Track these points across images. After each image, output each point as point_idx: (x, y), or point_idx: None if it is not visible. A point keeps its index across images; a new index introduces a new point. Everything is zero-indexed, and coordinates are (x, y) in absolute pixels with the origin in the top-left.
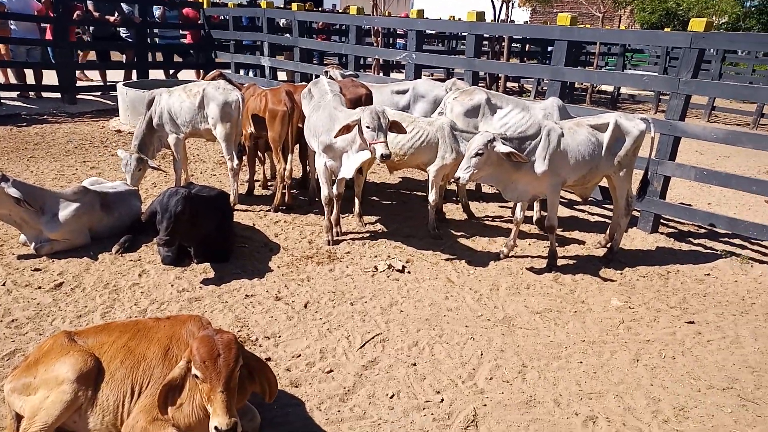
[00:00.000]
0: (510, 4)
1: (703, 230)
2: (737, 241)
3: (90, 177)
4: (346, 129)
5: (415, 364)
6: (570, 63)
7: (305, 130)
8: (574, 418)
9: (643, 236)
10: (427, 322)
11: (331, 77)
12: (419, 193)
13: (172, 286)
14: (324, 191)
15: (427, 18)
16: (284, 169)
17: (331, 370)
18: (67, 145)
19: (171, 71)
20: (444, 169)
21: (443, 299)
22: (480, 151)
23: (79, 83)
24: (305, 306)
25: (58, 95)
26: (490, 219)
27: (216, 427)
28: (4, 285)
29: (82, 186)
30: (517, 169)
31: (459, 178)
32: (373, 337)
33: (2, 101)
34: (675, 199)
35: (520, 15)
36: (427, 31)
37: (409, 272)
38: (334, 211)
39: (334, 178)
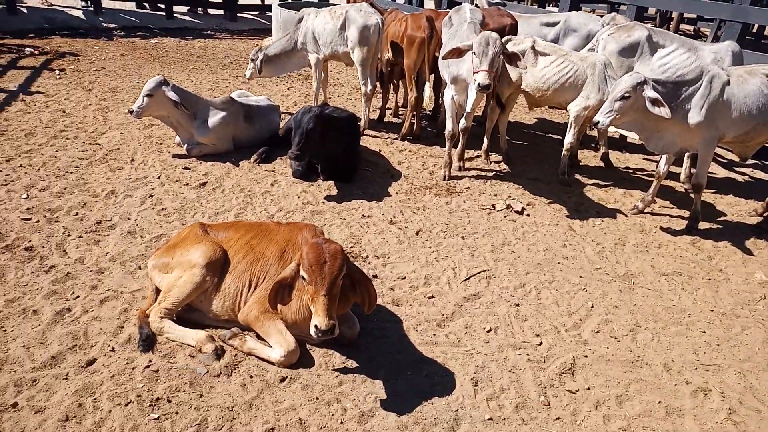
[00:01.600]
0: None
1: None
2: None
3: (238, 90)
4: (456, 53)
5: (518, 305)
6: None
7: (440, 60)
8: (684, 386)
9: None
10: (538, 266)
11: (476, 5)
12: (555, 136)
13: (298, 197)
14: (448, 125)
15: None
16: (415, 98)
17: (432, 296)
18: (224, 60)
19: None
20: (586, 111)
21: (560, 246)
22: (627, 94)
23: None
24: (417, 233)
25: (221, 12)
26: (631, 171)
27: (316, 326)
28: (158, 178)
29: (230, 97)
30: (664, 118)
31: (598, 122)
32: (479, 273)
33: (174, 14)
34: None
35: None
36: None
37: (528, 215)
38: (459, 146)
39: (460, 112)
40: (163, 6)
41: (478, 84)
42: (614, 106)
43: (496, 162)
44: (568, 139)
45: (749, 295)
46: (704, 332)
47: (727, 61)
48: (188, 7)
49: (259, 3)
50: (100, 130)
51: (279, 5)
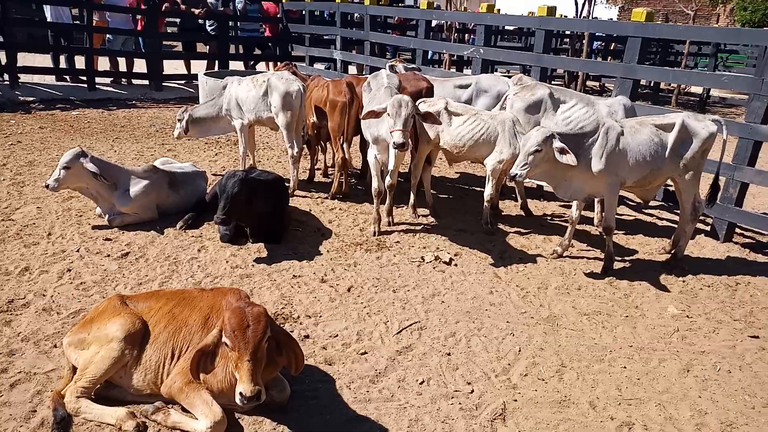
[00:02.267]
0: (593, 1)
1: None
2: None
3: (163, 158)
4: (373, 114)
5: (449, 354)
6: (649, 63)
7: (362, 122)
8: (609, 422)
9: (714, 245)
10: (467, 314)
11: (394, 70)
12: (478, 189)
13: (226, 262)
14: (374, 183)
15: (496, 13)
16: (341, 158)
17: (365, 352)
18: (150, 129)
19: (250, 63)
20: (501, 164)
21: (487, 293)
22: (539, 148)
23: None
24: (348, 290)
25: (146, 82)
26: (549, 218)
27: (241, 393)
28: (78, 251)
29: (153, 165)
30: (571, 167)
31: (515, 175)
32: (410, 325)
33: (97, 86)
34: (757, 208)
35: (605, 13)
36: (502, 27)
37: (456, 265)
38: (387, 202)
39: (384, 170)
40: (84, 78)
41: (394, 143)
42: (528, 159)
43: (423, 215)
44: (488, 191)
45: (664, 328)
46: (625, 368)
47: (620, 114)
48: (111, 79)
49: (185, 73)
50: (14, 205)
51: (204, 74)
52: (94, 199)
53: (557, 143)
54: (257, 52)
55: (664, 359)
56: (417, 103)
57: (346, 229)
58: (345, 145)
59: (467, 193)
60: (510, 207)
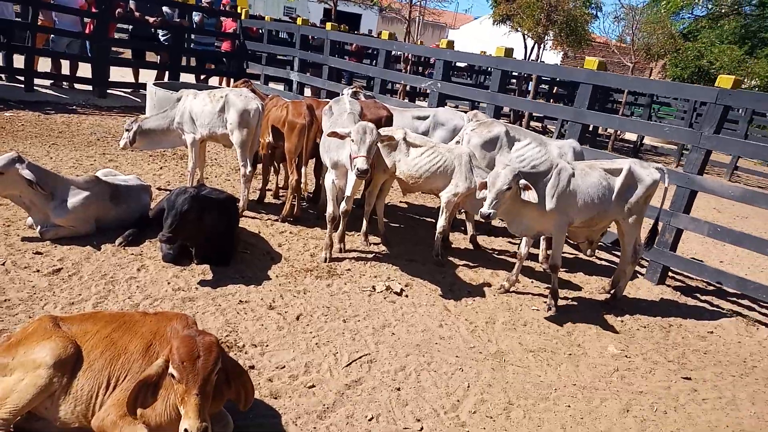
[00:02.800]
0: (542, 45)
1: (711, 287)
2: (745, 302)
3: (105, 168)
4: (337, 135)
5: (399, 389)
6: (596, 109)
7: (320, 145)
8: None
9: (649, 287)
10: (417, 347)
11: (356, 97)
12: (429, 219)
13: (168, 283)
14: (329, 208)
15: (456, 50)
16: (295, 181)
17: (313, 386)
18: (90, 137)
19: (202, 77)
20: (456, 197)
21: (437, 326)
22: (510, 186)
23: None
24: (297, 318)
25: (89, 88)
26: (497, 253)
27: (186, 430)
28: (3, 265)
29: (94, 176)
30: (525, 204)
31: (489, 214)
32: (360, 357)
33: (35, 87)
34: (687, 253)
35: (551, 58)
36: (456, 63)
37: (406, 296)
38: (340, 228)
39: (340, 195)
40: (22, 78)
41: (357, 169)
42: (498, 197)
43: (374, 243)
44: (441, 223)
45: (604, 368)
46: (569, 406)
47: (569, 156)
48: (52, 81)
49: (132, 81)
50: None
51: (154, 84)
52: (26, 209)
53: (522, 180)
54: (210, 66)
55: (605, 398)
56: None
57: (297, 254)
58: (301, 168)
59: (418, 223)
60: (459, 240)
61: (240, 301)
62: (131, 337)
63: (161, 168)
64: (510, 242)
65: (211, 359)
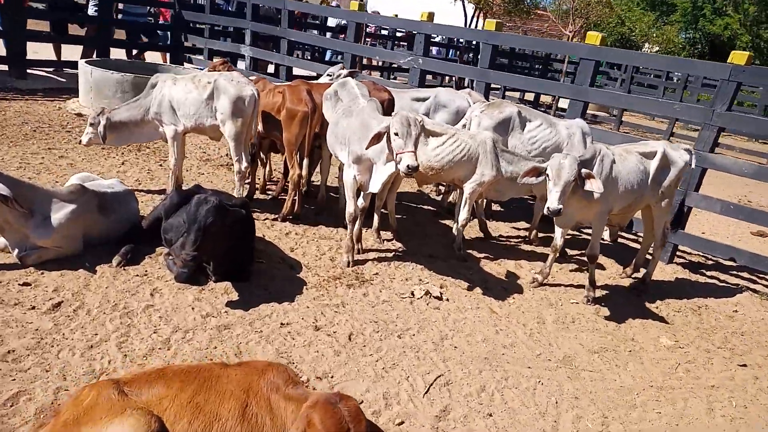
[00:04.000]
0: (485, 14)
1: (710, 262)
2: (745, 274)
3: (81, 173)
4: (377, 138)
5: (491, 415)
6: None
7: (329, 136)
8: None
9: (660, 266)
10: (486, 361)
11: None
12: (426, 207)
13: (193, 309)
14: (350, 207)
15: (438, 23)
16: (298, 175)
17: (402, 422)
18: (23, 127)
19: (134, 52)
20: (481, 186)
21: (494, 334)
22: (574, 177)
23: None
24: (349, 338)
25: (5, 68)
26: (504, 239)
27: None
28: None
29: (79, 185)
30: (572, 194)
31: (558, 210)
32: (435, 379)
33: None
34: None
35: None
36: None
37: (447, 299)
38: (356, 226)
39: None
40: None
41: (407, 166)
42: (566, 189)
43: (386, 239)
44: (463, 215)
45: (667, 362)
46: (659, 413)
47: (577, 137)
48: None
49: (54, 59)
50: None
51: (87, 62)
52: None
53: (585, 170)
54: (144, 39)
55: (686, 398)
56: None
57: (314, 259)
58: (304, 161)
59: (417, 211)
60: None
61: (281, 323)
62: (219, 398)
63: (122, 163)
64: (513, 227)
65: (362, 431)
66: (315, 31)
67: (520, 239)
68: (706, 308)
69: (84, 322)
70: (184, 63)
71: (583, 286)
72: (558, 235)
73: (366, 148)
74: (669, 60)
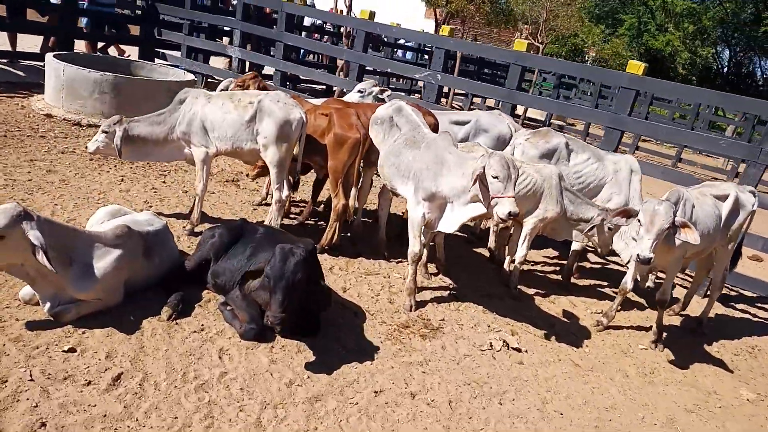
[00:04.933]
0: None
1: (733, 293)
2: None
3: (111, 205)
4: (478, 180)
5: None
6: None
7: (386, 168)
8: None
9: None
10: (597, 430)
11: (379, 96)
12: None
13: (272, 375)
14: (415, 247)
15: (458, 38)
16: (344, 206)
17: None
18: None
19: (99, 45)
20: (542, 222)
21: (590, 394)
22: (669, 225)
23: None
24: (449, 405)
25: None
26: (539, 270)
27: None
28: (32, 379)
29: (127, 226)
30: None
31: (649, 259)
32: None
33: None
34: None
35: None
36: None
37: (526, 351)
38: (418, 268)
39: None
40: None
41: (509, 213)
42: (659, 237)
43: (432, 273)
44: (522, 251)
45: (756, 418)
46: None
47: (624, 173)
48: None
49: (10, 50)
50: None
51: (55, 57)
52: (30, 281)
53: (679, 218)
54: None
55: None
56: None
57: (372, 302)
58: (352, 191)
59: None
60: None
61: (374, 392)
62: None
63: (122, 180)
64: (542, 255)
65: None
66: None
67: (548, 265)
68: (759, 350)
69: (156, 401)
70: (155, 59)
71: (641, 328)
72: (629, 278)
73: (471, 189)
74: (714, 95)
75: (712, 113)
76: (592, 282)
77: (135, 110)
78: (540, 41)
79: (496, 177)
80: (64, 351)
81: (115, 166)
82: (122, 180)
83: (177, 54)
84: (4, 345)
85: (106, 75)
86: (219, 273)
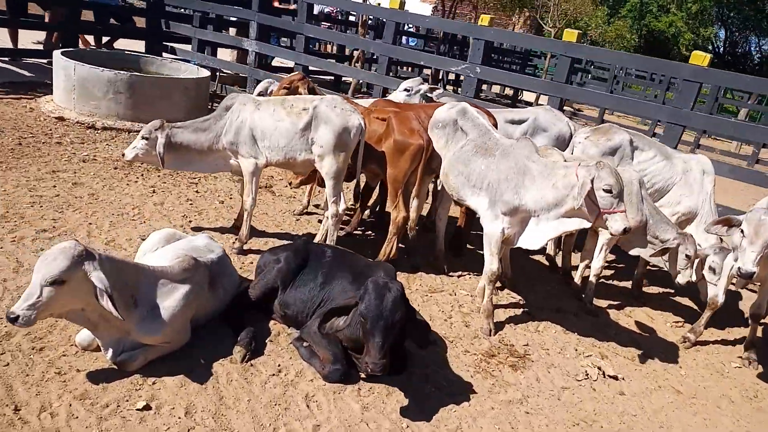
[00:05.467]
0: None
1: None
2: None
3: (163, 229)
4: (587, 193)
5: None
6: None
7: (453, 177)
8: None
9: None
10: None
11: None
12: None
13: (368, 425)
14: (493, 265)
15: (499, 28)
16: (404, 218)
17: None
18: (3, 138)
19: (104, 39)
20: (624, 234)
21: (704, 427)
22: None
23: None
24: None
25: None
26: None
27: None
28: None
29: (192, 258)
30: None
31: (750, 273)
32: None
33: None
34: None
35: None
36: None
37: (622, 378)
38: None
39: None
40: None
41: (625, 229)
42: (764, 250)
43: (498, 288)
44: (598, 263)
45: None
46: None
47: (694, 174)
48: None
49: (11, 47)
50: None
51: (63, 54)
52: (91, 327)
53: None
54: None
55: None
56: None
57: (446, 326)
58: (414, 201)
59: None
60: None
61: None
62: None
63: (153, 192)
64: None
65: None
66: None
67: (606, 269)
68: None
69: None
70: (163, 53)
71: (726, 342)
72: (721, 291)
73: (565, 203)
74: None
75: None
76: (661, 289)
77: (151, 111)
78: (551, 26)
79: (608, 191)
80: (138, 409)
81: (142, 175)
82: (153, 191)
83: (185, 47)
84: (70, 405)
85: (120, 74)
86: (289, 303)
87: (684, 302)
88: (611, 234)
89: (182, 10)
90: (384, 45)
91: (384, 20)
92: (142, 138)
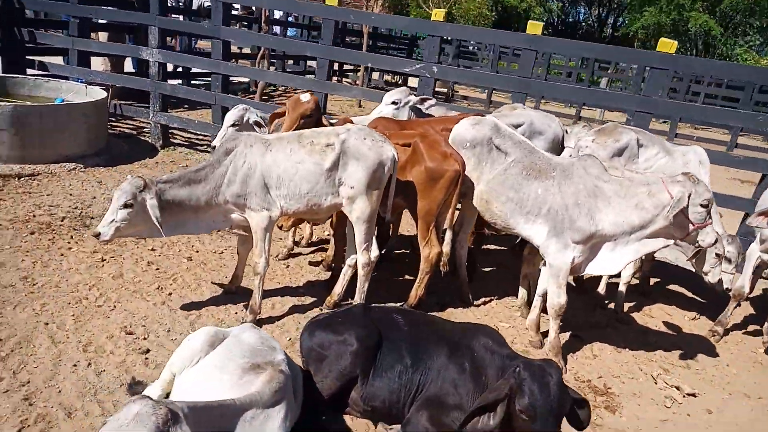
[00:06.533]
0: None
1: None
2: None
3: (206, 327)
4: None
5: None
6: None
7: (501, 204)
8: None
9: None
10: None
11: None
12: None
13: None
14: (561, 298)
15: (454, 23)
16: (438, 254)
17: None
18: None
19: None
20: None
21: None
22: None
23: None
24: None
25: None
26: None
27: None
28: None
29: (278, 371)
30: None
31: None
32: None
33: None
34: None
35: None
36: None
37: (699, 393)
38: (536, 312)
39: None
40: None
41: (715, 240)
42: None
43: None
44: (629, 271)
45: None
46: None
47: (693, 165)
48: None
49: None
50: None
51: None
52: None
53: None
54: None
55: None
56: None
57: None
58: (447, 234)
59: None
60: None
61: None
62: None
63: (103, 260)
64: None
65: None
66: (180, 16)
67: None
68: None
69: None
70: (27, 70)
71: (746, 332)
72: (747, 282)
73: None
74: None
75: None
76: (661, 282)
77: (47, 150)
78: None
79: (705, 205)
80: None
81: (72, 237)
82: (102, 258)
83: (53, 60)
84: None
85: (4, 105)
86: (375, 396)
87: (686, 294)
88: (701, 247)
89: (44, 15)
90: (323, 47)
91: (321, 20)
92: (124, 206)
